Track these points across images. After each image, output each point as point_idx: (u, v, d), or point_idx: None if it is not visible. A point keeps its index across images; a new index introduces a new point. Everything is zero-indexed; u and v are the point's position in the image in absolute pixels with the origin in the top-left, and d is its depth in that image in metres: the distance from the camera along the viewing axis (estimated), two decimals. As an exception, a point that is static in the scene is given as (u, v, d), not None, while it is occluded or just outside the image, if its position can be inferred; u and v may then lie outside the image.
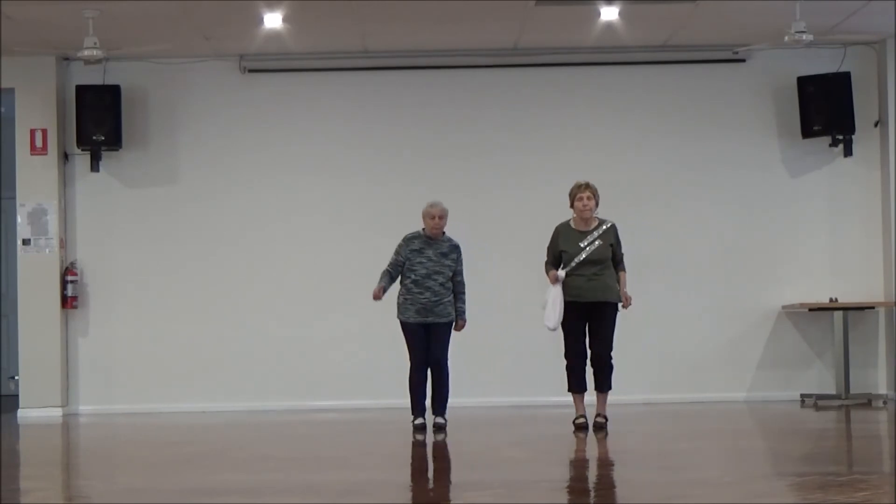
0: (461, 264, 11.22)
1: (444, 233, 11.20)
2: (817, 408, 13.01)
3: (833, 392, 13.54)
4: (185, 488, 7.94)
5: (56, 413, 13.53)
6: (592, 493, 7.66)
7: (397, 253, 11.16)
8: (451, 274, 11.13)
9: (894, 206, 13.58)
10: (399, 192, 13.46)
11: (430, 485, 8.24)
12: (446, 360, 11.13)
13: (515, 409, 13.17)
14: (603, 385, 10.89)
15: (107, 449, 11.09)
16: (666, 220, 13.93)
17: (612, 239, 10.89)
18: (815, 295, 13.69)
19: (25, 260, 13.72)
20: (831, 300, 13.58)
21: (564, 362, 10.93)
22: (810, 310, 13.55)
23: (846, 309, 13.48)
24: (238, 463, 9.29)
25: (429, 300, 11.04)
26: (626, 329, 13.69)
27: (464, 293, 11.22)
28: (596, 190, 10.94)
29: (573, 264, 10.79)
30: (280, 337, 13.81)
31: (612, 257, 10.88)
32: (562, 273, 10.77)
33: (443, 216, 11.12)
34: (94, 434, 12.37)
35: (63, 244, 13.75)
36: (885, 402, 13.22)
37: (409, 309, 11.08)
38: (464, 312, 11.20)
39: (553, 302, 10.78)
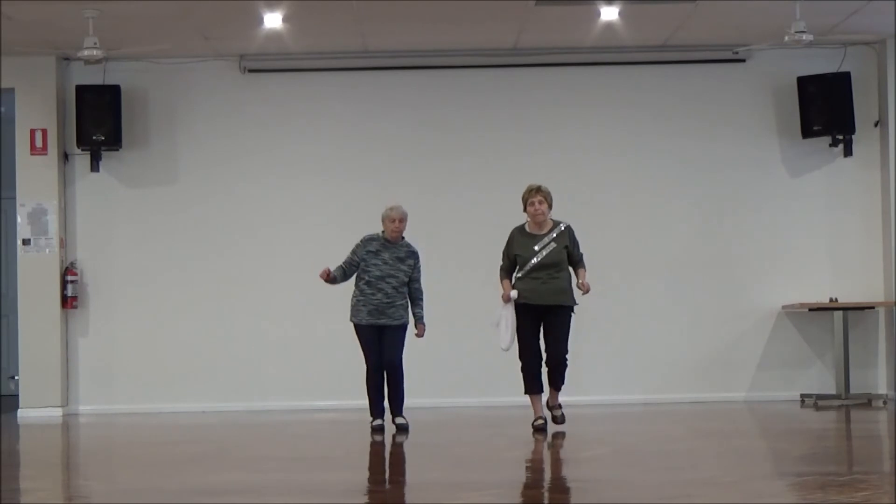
0: (419, 272, 11.20)
1: (403, 237, 11.20)
2: (817, 408, 13.01)
3: (833, 392, 13.54)
4: (185, 488, 7.94)
5: (56, 413, 13.53)
6: (592, 493, 7.65)
7: (353, 253, 11.19)
8: (405, 279, 11.11)
9: (894, 206, 13.58)
10: (398, 192, 13.41)
11: (430, 485, 8.24)
12: (400, 361, 11.11)
13: (513, 409, 13.16)
14: (558, 383, 10.91)
15: (107, 449, 11.09)
16: (665, 219, 13.93)
17: (566, 241, 10.86)
18: (815, 295, 13.69)
19: (25, 260, 13.73)
20: (831, 300, 13.58)
21: (519, 364, 10.95)
22: (810, 310, 13.55)
23: (846, 309, 13.48)
24: (238, 463, 9.29)
25: (381, 301, 11.05)
26: (627, 329, 13.77)
27: (421, 300, 11.19)
28: (548, 193, 10.89)
29: (527, 268, 10.80)
30: (280, 337, 13.81)
31: (569, 258, 10.87)
32: (514, 293, 10.78)
33: (403, 220, 11.13)
34: (94, 434, 12.37)
35: (63, 244, 13.75)
36: (885, 402, 13.22)
37: (361, 311, 11.09)
38: (422, 318, 11.17)
39: (505, 322, 10.82)
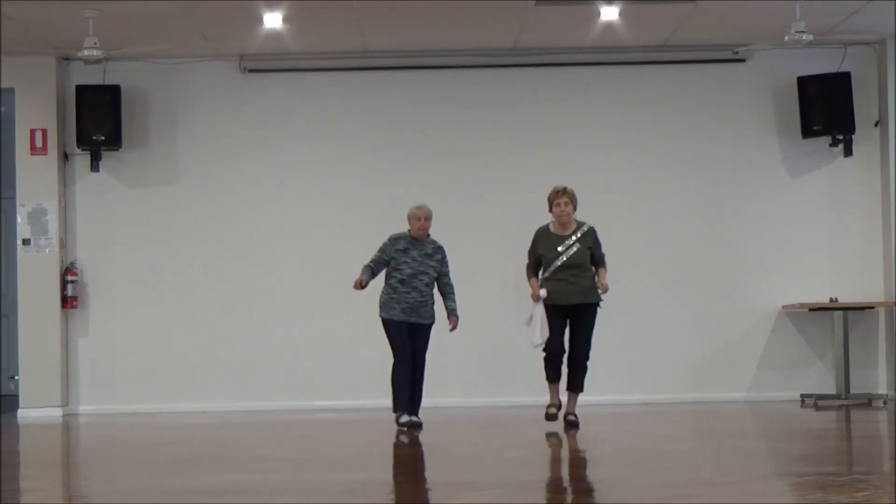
0: (447, 266, 11.40)
1: (428, 234, 11.34)
2: (817, 408, 13.01)
3: (833, 392, 13.54)
4: (185, 488, 7.94)
5: (56, 413, 13.53)
6: (592, 493, 7.66)
7: (382, 251, 11.31)
8: (435, 275, 11.31)
9: (894, 206, 13.58)
10: (398, 192, 13.45)
11: (430, 485, 8.24)
12: (425, 360, 11.31)
13: (514, 409, 13.17)
14: (576, 385, 11.13)
15: (107, 449, 11.09)
16: (665, 220, 13.94)
17: (590, 242, 11.13)
18: (815, 295, 13.69)
19: (25, 260, 13.73)
20: (831, 300, 13.58)
21: (543, 355, 11.16)
22: (810, 310, 13.55)
23: (846, 309, 13.48)
24: (238, 463, 9.29)
25: (415, 300, 11.21)
26: (627, 329, 13.77)
27: (453, 293, 11.41)
28: (574, 195, 11.14)
29: (553, 268, 11.06)
30: (280, 337, 13.81)
31: (591, 258, 11.12)
32: (543, 292, 11.04)
33: (429, 218, 11.31)
34: (94, 434, 12.37)
35: (63, 244, 13.75)
36: (885, 402, 13.22)
37: (394, 308, 11.22)
38: (455, 310, 11.36)
39: (537, 320, 11.03)
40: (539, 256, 11.16)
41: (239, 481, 8.24)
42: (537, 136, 13.95)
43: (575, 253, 11.04)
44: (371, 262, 11.29)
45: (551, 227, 11.20)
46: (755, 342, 13.88)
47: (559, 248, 11.06)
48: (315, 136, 13.98)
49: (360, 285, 11.16)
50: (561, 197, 11.08)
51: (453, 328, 11.40)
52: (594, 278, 11.12)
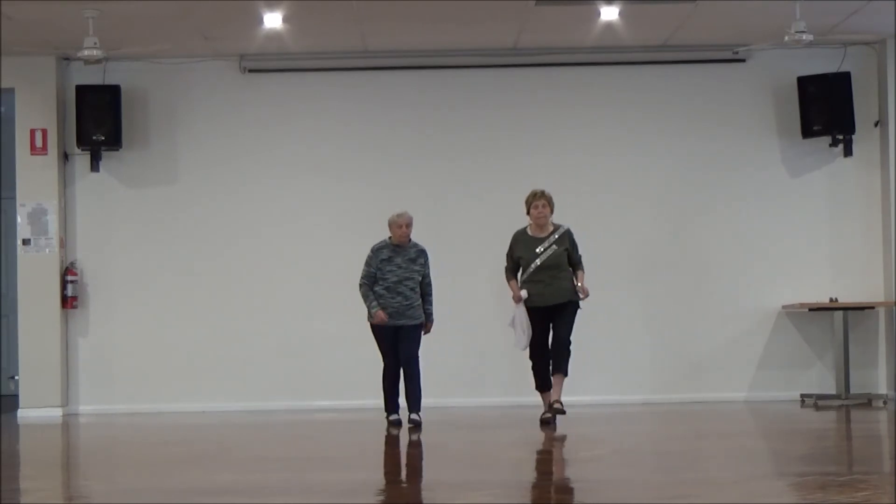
0: (428, 268, 11.55)
1: (409, 239, 11.45)
2: (817, 408, 13.01)
3: (833, 392, 13.54)
4: (185, 488, 7.94)
5: (56, 413, 13.53)
6: (592, 493, 7.65)
7: (368, 265, 11.46)
8: (419, 278, 11.45)
9: (894, 206, 13.58)
10: (398, 192, 13.46)
11: (430, 485, 8.24)
12: (417, 357, 11.43)
13: (513, 409, 13.16)
14: (559, 367, 11.23)
15: (107, 449, 11.09)
16: (666, 219, 13.93)
17: (566, 243, 11.34)
18: (815, 295, 13.69)
19: (25, 260, 13.73)
20: (831, 300, 13.58)
21: (531, 363, 11.40)
22: (810, 310, 13.55)
23: (846, 309, 13.48)
24: (238, 463, 9.29)
25: (401, 304, 11.37)
26: (626, 329, 13.77)
27: (431, 295, 11.55)
28: (551, 198, 11.39)
29: (530, 270, 11.29)
30: (280, 337, 13.81)
31: (568, 260, 11.31)
32: (524, 293, 11.24)
33: (409, 224, 11.46)
34: (94, 434, 12.37)
35: (63, 244, 13.75)
36: (885, 402, 13.22)
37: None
38: (431, 314, 11.54)
39: (519, 323, 11.22)
40: (517, 259, 11.38)
41: (239, 481, 8.24)
42: (537, 136, 13.95)
43: (552, 254, 11.26)
44: (364, 278, 11.43)
45: (528, 230, 11.44)
46: (755, 342, 13.88)
47: (537, 250, 11.27)
48: (315, 136, 13.98)
49: (384, 320, 11.30)
50: (538, 199, 11.34)
51: (426, 332, 11.53)
52: (572, 280, 11.30)
